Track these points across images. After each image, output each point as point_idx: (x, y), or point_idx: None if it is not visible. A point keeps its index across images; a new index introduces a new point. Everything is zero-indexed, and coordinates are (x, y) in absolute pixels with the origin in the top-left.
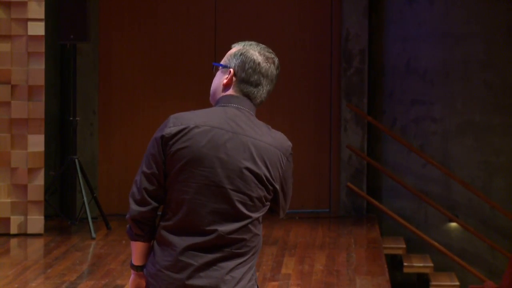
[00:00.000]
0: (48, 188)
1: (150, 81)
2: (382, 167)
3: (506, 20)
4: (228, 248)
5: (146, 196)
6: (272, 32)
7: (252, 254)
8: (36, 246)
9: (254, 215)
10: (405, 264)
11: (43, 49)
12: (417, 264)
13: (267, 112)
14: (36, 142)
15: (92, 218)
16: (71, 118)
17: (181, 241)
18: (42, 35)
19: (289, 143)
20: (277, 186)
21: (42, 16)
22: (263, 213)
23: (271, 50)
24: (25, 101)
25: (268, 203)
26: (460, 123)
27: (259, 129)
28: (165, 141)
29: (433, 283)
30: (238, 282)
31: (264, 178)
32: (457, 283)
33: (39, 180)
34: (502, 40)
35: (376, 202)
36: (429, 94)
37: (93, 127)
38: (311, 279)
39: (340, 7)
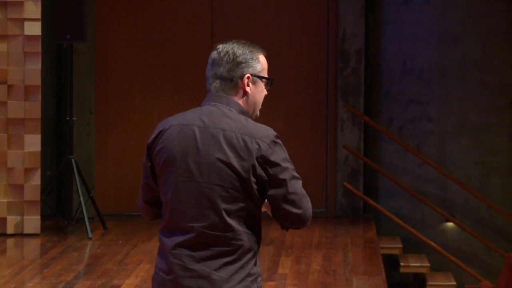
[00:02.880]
0: (45, 188)
1: (146, 81)
2: (378, 167)
3: (502, 20)
4: (213, 246)
5: (144, 205)
6: (269, 32)
7: (242, 253)
8: (33, 246)
9: (232, 208)
10: (401, 264)
11: (39, 49)
12: (413, 264)
13: (263, 111)
14: (33, 142)
15: (88, 218)
16: (68, 118)
17: (170, 242)
18: (38, 35)
19: (271, 131)
20: (258, 173)
21: (39, 16)
22: (244, 205)
23: (229, 42)
24: (22, 101)
25: (249, 194)
26: (456, 123)
27: (233, 121)
28: (149, 147)
29: (430, 283)
30: (226, 282)
31: (237, 167)
32: (454, 283)
33: (36, 180)
34: (499, 40)
35: (372, 202)
36: (426, 94)
37: (89, 127)
38: (307, 279)
39: (337, 7)
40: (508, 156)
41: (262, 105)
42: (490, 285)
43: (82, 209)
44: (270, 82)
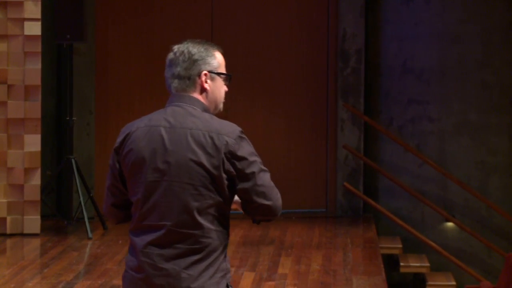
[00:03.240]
0: (45, 188)
1: (146, 80)
2: (378, 167)
3: (502, 19)
4: (181, 244)
5: (111, 208)
6: (269, 32)
7: (211, 251)
8: (33, 246)
9: (202, 205)
10: (401, 264)
11: (39, 49)
12: (413, 264)
13: (263, 111)
14: (33, 142)
15: (88, 218)
16: (68, 118)
17: (140, 241)
18: (38, 35)
19: (236, 127)
20: (226, 169)
21: (39, 16)
22: (213, 203)
23: (184, 42)
24: (22, 101)
25: (218, 191)
26: (456, 122)
27: (198, 119)
28: (116, 151)
29: (430, 283)
30: (196, 280)
31: (206, 164)
32: (454, 283)
33: (36, 180)
34: (498, 40)
35: (372, 202)
36: (426, 94)
37: (89, 127)
38: (307, 279)
39: (337, 7)
40: (508, 156)
41: (262, 104)
42: (490, 285)
43: (82, 209)
44: (228, 78)
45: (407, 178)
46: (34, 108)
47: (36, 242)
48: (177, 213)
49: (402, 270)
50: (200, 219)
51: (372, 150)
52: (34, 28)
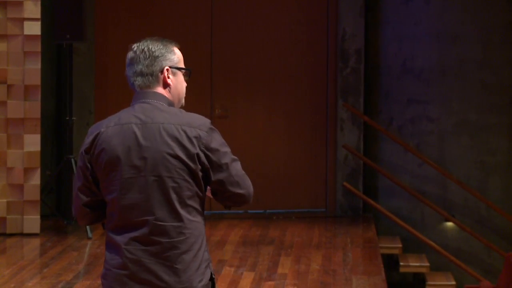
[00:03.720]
0: (44, 187)
1: None
2: (378, 167)
3: (502, 19)
4: (164, 238)
5: (82, 209)
6: (269, 31)
7: (193, 242)
8: (32, 246)
9: (181, 198)
10: (401, 263)
11: (39, 49)
12: (413, 264)
13: (263, 111)
14: (32, 142)
15: None
16: (68, 118)
17: (123, 239)
18: (38, 35)
19: (206, 120)
20: (201, 161)
21: (38, 15)
22: (192, 194)
23: (143, 40)
24: (21, 100)
25: (196, 183)
26: (456, 122)
27: (168, 114)
28: (87, 152)
29: (429, 282)
30: (184, 272)
31: (182, 157)
32: (454, 283)
33: (35, 179)
34: (498, 40)
35: (372, 202)
36: (425, 93)
37: (89, 127)
38: (307, 279)
39: (337, 7)
40: (507, 156)
41: (262, 104)
42: (490, 285)
43: None
44: (188, 72)
45: (406, 178)
46: (33, 108)
47: (35, 242)
48: (157, 207)
49: (401, 270)
50: (180, 210)
51: (372, 150)
52: (33, 28)
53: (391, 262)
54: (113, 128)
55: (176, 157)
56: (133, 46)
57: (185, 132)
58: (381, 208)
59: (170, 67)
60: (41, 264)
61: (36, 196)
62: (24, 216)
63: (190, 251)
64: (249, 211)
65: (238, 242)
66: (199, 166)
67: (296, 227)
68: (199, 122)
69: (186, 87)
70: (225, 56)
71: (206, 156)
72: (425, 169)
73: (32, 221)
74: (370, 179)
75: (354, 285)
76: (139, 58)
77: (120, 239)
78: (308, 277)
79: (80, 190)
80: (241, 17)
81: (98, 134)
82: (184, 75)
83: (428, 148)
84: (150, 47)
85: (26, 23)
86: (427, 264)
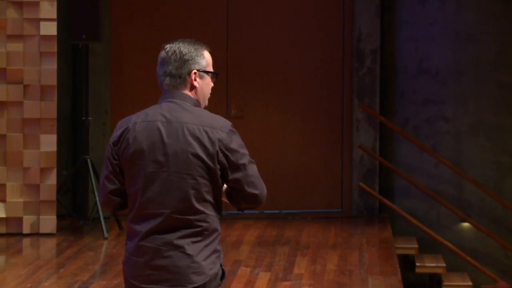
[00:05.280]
0: (61, 188)
1: None
2: (394, 167)
3: None
4: (182, 229)
5: (108, 196)
6: (284, 32)
7: (208, 234)
8: (49, 246)
9: (199, 193)
10: (417, 264)
11: (55, 49)
12: (429, 264)
13: (279, 111)
14: (49, 142)
15: (104, 217)
16: (84, 118)
17: (141, 228)
18: (54, 35)
19: (228, 122)
20: (220, 160)
21: (54, 16)
22: (209, 190)
23: (176, 41)
24: (38, 101)
25: (213, 180)
26: (472, 123)
27: (192, 114)
28: (114, 144)
29: (446, 283)
30: (196, 256)
31: (202, 156)
32: (470, 283)
33: (52, 180)
34: None
35: (388, 202)
36: (441, 94)
37: (105, 127)
38: (323, 279)
39: (353, 7)
40: None
41: (278, 104)
42: (506, 285)
43: (97, 209)
44: (215, 76)
45: (422, 178)
46: (50, 108)
47: (52, 242)
48: (176, 201)
49: (418, 270)
50: (197, 205)
51: (388, 150)
52: (49, 28)
53: (407, 263)
54: (140, 124)
55: (197, 155)
56: (166, 47)
57: (206, 132)
58: (397, 208)
59: (198, 70)
60: (57, 264)
61: (53, 196)
62: (41, 216)
63: (203, 241)
64: (265, 211)
65: (254, 242)
66: (218, 166)
67: (312, 227)
68: (220, 124)
69: None
70: (241, 57)
71: (225, 156)
72: (441, 169)
73: (49, 221)
74: (386, 179)
75: (370, 286)
76: (170, 59)
77: (139, 228)
78: (324, 277)
79: (106, 178)
80: (257, 18)
81: (126, 128)
82: (211, 78)
83: (444, 148)
84: (182, 49)
85: (42, 24)
86: (443, 264)
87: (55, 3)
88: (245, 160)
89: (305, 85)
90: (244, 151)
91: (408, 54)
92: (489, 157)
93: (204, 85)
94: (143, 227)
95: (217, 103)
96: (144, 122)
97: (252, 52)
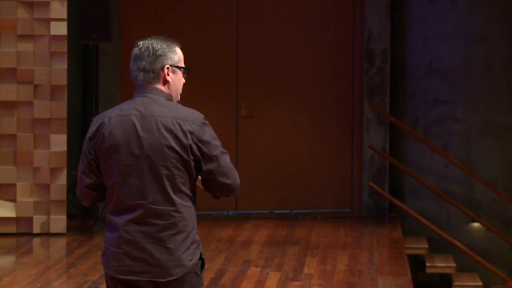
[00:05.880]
0: (71, 187)
1: None
2: (404, 167)
3: None
4: (158, 220)
5: (86, 190)
6: (294, 32)
7: (185, 225)
8: (59, 246)
9: (175, 184)
10: (427, 264)
11: (65, 49)
12: (439, 264)
13: (289, 111)
14: (59, 142)
15: None
16: (93, 118)
17: (120, 220)
18: (64, 35)
19: (200, 114)
20: (193, 152)
21: (65, 16)
22: (184, 181)
23: (148, 38)
24: (48, 100)
25: (187, 172)
26: (482, 123)
27: (165, 108)
28: (90, 139)
29: (456, 283)
30: (175, 252)
31: (176, 148)
32: (480, 284)
33: (62, 179)
34: None
35: (398, 202)
36: (452, 94)
37: None
38: (333, 279)
39: (363, 7)
40: None
41: (288, 104)
42: None
43: None
44: (187, 71)
45: (433, 178)
46: (60, 108)
47: (62, 242)
48: (153, 192)
49: (428, 270)
50: (173, 196)
51: (398, 150)
52: (60, 28)
53: (417, 263)
54: (115, 119)
55: (171, 148)
56: (138, 43)
57: (179, 125)
58: (407, 208)
59: (170, 65)
60: (68, 264)
61: (63, 196)
62: (51, 216)
63: (182, 232)
64: (275, 211)
65: (264, 242)
66: (192, 157)
67: (322, 227)
68: (193, 117)
69: (212, 87)
70: (251, 57)
71: (198, 147)
72: (451, 169)
73: (59, 221)
74: (396, 179)
75: (380, 286)
76: (144, 55)
77: (118, 220)
78: (334, 277)
79: (83, 173)
80: (267, 18)
81: (102, 123)
82: (183, 73)
83: (454, 148)
84: (154, 45)
85: (52, 23)
86: (454, 264)
87: (66, 3)
88: (217, 151)
89: (315, 85)
90: (217, 142)
91: (418, 54)
92: (499, 157)
93: (177, 80)
94: (122, 219)
95: (227, 103)
96: (118, 116)
97: (262, 52)
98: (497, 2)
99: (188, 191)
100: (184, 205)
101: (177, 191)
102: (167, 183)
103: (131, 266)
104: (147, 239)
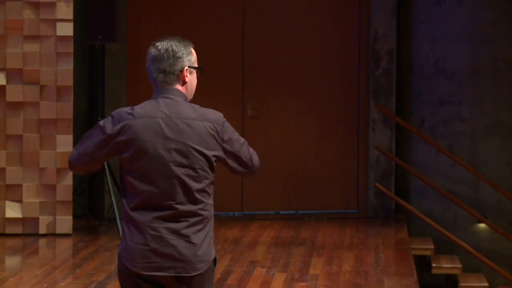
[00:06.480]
0: (77, 188)
1: None
2: (410, 168)
3: None
4: (185, 218)
5: (83, 167)
6: (300, 32)
7: (207, 222)
8: (65, 246)
9: (200, 185)
10: (433, 265)
11: (71, 50)
12: (445, 265)
13: (295, 112)
14: (65, 142)
15: (120, 218)
16: (100, 118)
17: (146, 217)
18: (70, 36)
19: (220, 114)
20: (219, 151)
21: (71, 16)
22: (208, 182)
23: (165, 39)
24: (54, 101)
25: (211, 172)
26: (488, 123)
27: (187, 109)
28: (112, 136)
29: (462, 284)
30: (200, 247)
31: (202, 149)
32: (486, 284)
33: (68, 180)
34: None
35: (404, 203)
36: (458, 94)
37: None
38: (339, 280)
39: (368, 7)
40: None
41: (294, 104)
42: None
43: (113, 209)
44: (201, 71)
45: (439, 178)
46: (66, 109)
47: (68, 242)
48: (179, 193)
49: (434, 271)
50: (198, 196)
51: (404, 151)
52: (66, 29)
53: (423, 264)
54: (141, 120)
55: (197, 149)
56: (156, 44)
57: (204, 126)
58: (413, 209)
59: (189, 67)
60: (74, 264)
61: (69, 196)
62: (57, 217)
63: (204, 229)
64: (281, 212)
65: (270, 243)
66: (216, 158)
67: (328, 228)
68: (216, 117)
69: (218, 87)
70: (257, 57)
71: (223, 148)
72: (457, 170)
73: (65, 221)
74: (402, 180)
75: (386, 287)
76: (163, 57)
77: (143, 218)
78: (339, 278)
79: (89, 156)
80: (273, 18)
81: (126, 124)
82: (197, 72)
83: (460, 149)
84: (174, 47)
85: (58, 24)
86: (460, 265)
87: (72, 3)
88: (238, 146)
89: (321, 85)
90: (236, 136)
91: (424, 55)
92: (506, 158)
93: (193, 80)
94: (148, 216)
95: (233, 103)
96: (144, 118)
97: (268, 52)
98: (503, 3)
99: (210, 190)
100: (208, 203)
101: (202, 190)
102: (192, 184)
103: (159, 263)
104: (173, 235)
